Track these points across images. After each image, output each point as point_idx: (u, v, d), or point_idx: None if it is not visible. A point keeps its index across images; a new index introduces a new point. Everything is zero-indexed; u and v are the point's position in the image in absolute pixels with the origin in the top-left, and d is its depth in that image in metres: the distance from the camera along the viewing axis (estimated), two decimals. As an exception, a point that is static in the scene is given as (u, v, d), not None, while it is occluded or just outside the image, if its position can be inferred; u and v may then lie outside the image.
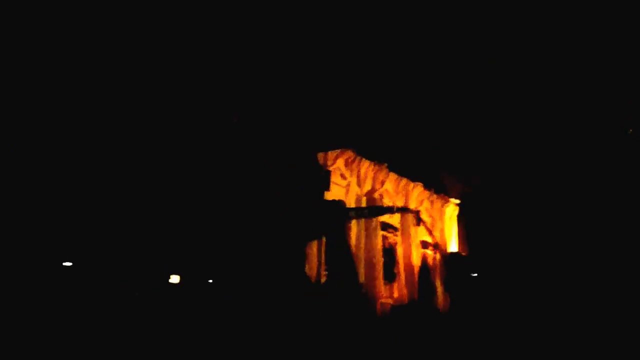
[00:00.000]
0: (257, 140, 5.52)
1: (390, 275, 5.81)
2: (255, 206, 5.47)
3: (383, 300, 5.88)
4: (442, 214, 6.37)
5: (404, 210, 6.00)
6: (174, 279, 5.95)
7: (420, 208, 6.01)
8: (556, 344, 5.99)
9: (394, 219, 5.68)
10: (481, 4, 5.07)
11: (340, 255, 5.31)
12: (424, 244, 6.17)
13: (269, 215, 5.42)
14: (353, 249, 5.27)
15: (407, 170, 6.18)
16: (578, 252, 6.32)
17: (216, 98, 5.55)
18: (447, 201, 6.37)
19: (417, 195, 5.92)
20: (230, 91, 5.58)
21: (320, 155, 5.33)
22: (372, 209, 5.76)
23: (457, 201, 6.51)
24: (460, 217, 6.71)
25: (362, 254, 5.28)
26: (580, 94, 6.00)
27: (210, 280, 5.74)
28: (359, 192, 5.49)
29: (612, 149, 6.33)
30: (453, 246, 6.71)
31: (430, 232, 5.90)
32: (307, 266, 5.17)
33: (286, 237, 5.37)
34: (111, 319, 5.21)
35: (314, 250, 5.13)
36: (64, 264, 5.53)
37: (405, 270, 5.81)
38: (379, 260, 5.75)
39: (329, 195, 5.50)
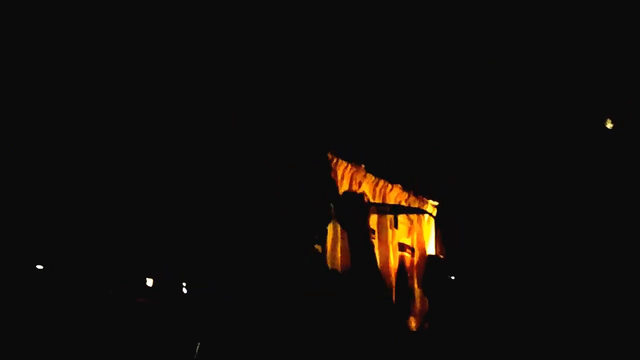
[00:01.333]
0: (250, 140, 5.51)
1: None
2: (258, 206, 5.45)
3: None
4: (420, 216, 6.33)
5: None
6: (149, 282, 5.90)
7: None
8: (536, 345, 5.98)
9: (371, 221, 5.65)
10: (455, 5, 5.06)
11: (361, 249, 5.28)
12: (402, 247, 6.15)
13: (275, 214, 5.42)
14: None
15: (385, 171, 6.16)
16: (559, 255, 6.33)
17: (202, 99, 5.55)
18: (425, 203, 6.33)
19: (395, 197, 5.88)
20: (217, 92, 5.57)
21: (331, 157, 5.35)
22: (395, 207, 5.74)
23: (435, 203, 6.47)
24: (439, 219, 6.68)
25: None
26: (569, 94, 6.01)
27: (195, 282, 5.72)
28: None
29: (597, 150, 6.34)
30: (431, 248, 6.67)
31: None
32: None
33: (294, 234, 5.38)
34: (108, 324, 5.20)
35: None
36: (37, 266, 5.46)
37: (382, 272, 5.78)
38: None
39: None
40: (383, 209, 5.33)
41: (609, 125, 5.99)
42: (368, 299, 5.26)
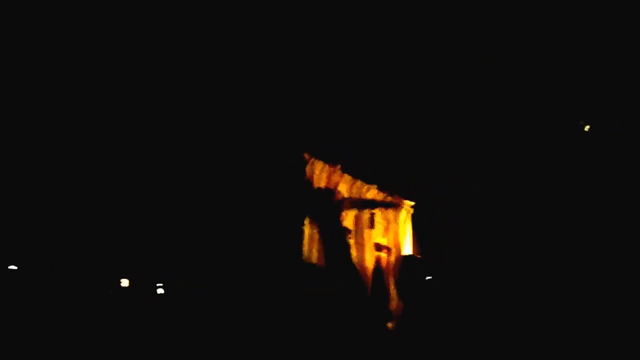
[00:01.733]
0: (227, 141, 5.50)
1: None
2: (235, 206, 5.46)
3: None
4: (396, 216, 6.34)
5: (395, 206, 6.08)
6: (124, 282, 5.86)
7: (374, 210, 6.02)
8: (510, 346, 6.01)
9: (347, 221, 5.68)
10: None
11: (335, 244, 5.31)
12: (378, 247, 6.18)
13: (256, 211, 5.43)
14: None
15: (362, 172, 6.17)
16: (533, 255, 6.37)
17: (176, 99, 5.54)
18: (402, 203, 6.37)
19: (371, 197, 5.91)
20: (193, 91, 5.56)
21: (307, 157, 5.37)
22: (366, 202, 5.81)
23: (412, 203, 6.49)
24: (415, 219, 6.70)
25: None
26: (545, 95, 6.05)
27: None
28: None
29: (573, 151, 6.39)
30: (407, 248, 6.68)
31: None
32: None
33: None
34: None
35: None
36: (9, 267, 5.41)
37: (358, 272, 5.80)
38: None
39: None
40: (357, 203, 5.36)
41: (586, 128, 6.03)
42: (344, 296, 5.26)
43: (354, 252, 6.00)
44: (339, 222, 5.50)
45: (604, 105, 6.15)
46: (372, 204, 5.91)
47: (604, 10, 5.40)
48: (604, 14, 5.44)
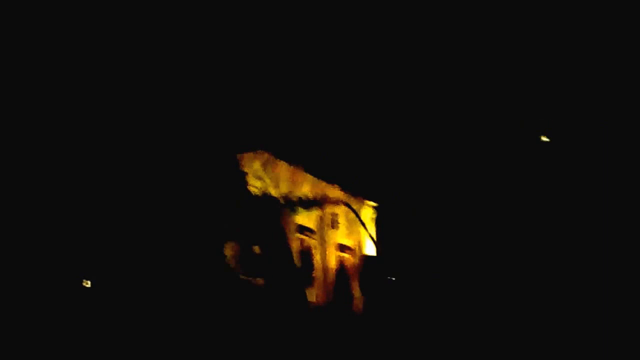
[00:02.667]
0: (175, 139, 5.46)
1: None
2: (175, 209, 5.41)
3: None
4: (359, 217, 6.37)
5: (318, 204, 6.07)
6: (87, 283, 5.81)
7: (337, 210, 6.04)
8: (472, 346, 6.09)
9: (311, 222, 5.67)
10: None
11: (277, 254, 5.28)
12: (341, 247, 6.18)
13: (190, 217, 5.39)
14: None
15: (325, 171, 6.18)
16: (493, 256, 6.46)
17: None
18: (364, 204, 6.38)
19: (334, 197, 5.92)
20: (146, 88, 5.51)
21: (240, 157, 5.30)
22: (305, 202, 5.79)
23: (374, 204, 6.51)
24: (378, 220, 6.72)
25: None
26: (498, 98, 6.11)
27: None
28: (276, 195, 5.48)
29: (532, 154, 6.48)
30: (370, 249, 6.70)
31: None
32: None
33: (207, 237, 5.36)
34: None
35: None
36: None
37: (321, 273, 5.80)
38: (296, 263, 5.77)
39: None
40: (291, 205, 5.38)
41: (544, 138, 6.12)
42: (286, 296, 5.28)
43: (316, 253, 6.02)
44: (278, 226, 5.47)
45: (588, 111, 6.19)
46: (317, 203, 5.92)
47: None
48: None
